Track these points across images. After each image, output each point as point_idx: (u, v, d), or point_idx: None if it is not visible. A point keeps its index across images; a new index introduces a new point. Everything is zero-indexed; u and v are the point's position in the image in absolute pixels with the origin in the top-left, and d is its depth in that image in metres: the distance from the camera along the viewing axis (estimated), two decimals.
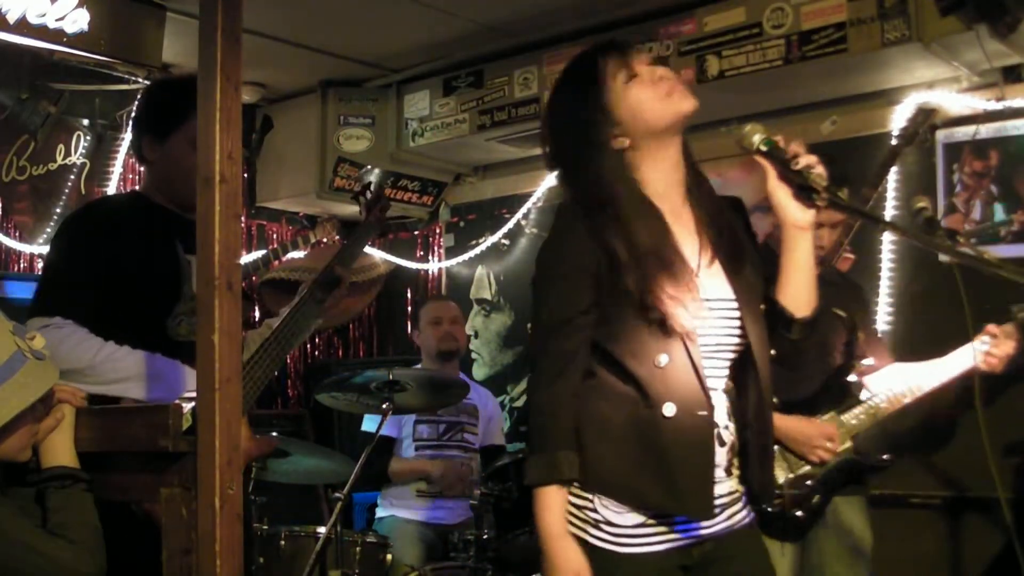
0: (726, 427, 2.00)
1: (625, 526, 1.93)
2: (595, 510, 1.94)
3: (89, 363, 2.26)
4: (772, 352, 2.05)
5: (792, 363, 2.15)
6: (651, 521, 1.94)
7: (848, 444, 3.02)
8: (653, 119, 1.99)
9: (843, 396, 3.06)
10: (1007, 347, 3.01)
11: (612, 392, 1.96)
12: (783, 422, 2.87)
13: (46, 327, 2.27)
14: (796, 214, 1.97)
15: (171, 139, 2.49)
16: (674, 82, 2.01)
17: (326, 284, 2.78)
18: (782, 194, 1.97)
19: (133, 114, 2.64)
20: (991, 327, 3.07)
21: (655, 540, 1.94)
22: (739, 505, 2.04)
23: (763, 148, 1.95)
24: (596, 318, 1.96)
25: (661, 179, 2.03)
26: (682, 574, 1.97)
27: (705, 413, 1.94)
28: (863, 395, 3.08)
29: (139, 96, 2.73)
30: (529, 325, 2.09)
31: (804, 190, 1.94)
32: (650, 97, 1.99)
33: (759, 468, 2.04)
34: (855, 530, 3.04)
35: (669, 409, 1.92)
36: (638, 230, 1.95)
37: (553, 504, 1.93)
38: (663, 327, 1.92)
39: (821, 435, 2.92)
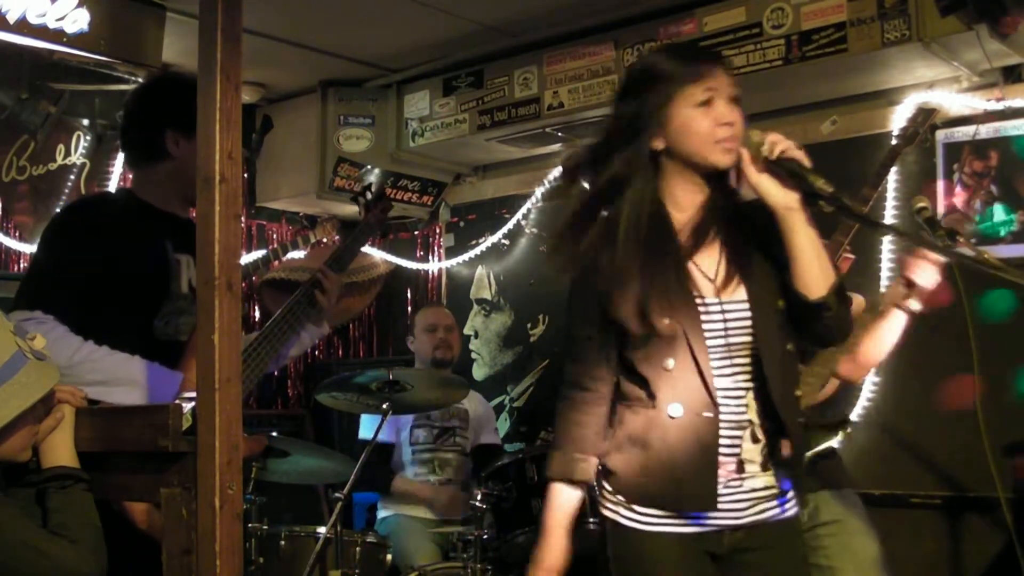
0: (760, 424, 2.08)
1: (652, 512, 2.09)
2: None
3: (66, 362, 2.21)
4: (798, 340, 2.12)
5: (828, 342, 2.22)
6: (666, 513, 2.08)
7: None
8: (693, 151, 2.07)
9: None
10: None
11: (631, 396, 2.11)
12: None
13: (26, 321, 2.25)
14: (781, 198, 2.02)
15: None
16: (732, 134, 2.04)
17: (317, 285, 2.77)
18: (764, 181, 2.02)
19: (145, 108, 2.60)
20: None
21: (678, 525, 2.07)
22: (773, 500, 2.10)
23: (771, 157, 2.00)
24: (619, 327, 2.09)
25: (683, 192, 2.12)
26: (709, 560, 2.08)
27: (711, 414, 2.04)
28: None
29: (149, 91, 2.68)
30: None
31: (812, 196, 1.99)
32: (703, 131, 2.04)
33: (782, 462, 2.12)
34: (853, 519, 3.02)
35: (675, 410, 2.05)
36: (632, 244, 2.06)
37: (554, 500, 2.16)
38: (666, 333, 2.04)
39: None
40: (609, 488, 2.13)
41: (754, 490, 2.08)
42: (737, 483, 2.06)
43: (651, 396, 2.07)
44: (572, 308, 2.19)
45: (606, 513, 2.14)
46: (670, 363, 2.05)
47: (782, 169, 2.00)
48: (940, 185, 4.06)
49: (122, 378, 2.28)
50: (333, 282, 2.79)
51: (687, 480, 2.04)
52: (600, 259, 2.09)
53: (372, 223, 3.15)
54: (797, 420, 2.11)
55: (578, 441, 2.13)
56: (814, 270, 2.04)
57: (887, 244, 4.15)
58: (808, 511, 2.96)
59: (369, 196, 3.21)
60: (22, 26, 3.79)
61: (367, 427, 4.42)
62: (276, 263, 4.97)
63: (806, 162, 2.00)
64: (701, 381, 2.04)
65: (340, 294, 2.83)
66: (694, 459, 2.04)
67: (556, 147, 4.96)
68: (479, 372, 5.41)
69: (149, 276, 2.44)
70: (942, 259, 2.87)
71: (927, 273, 2.91)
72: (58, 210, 4.45)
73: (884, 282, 4.14)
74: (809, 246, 2.03)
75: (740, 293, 2.08)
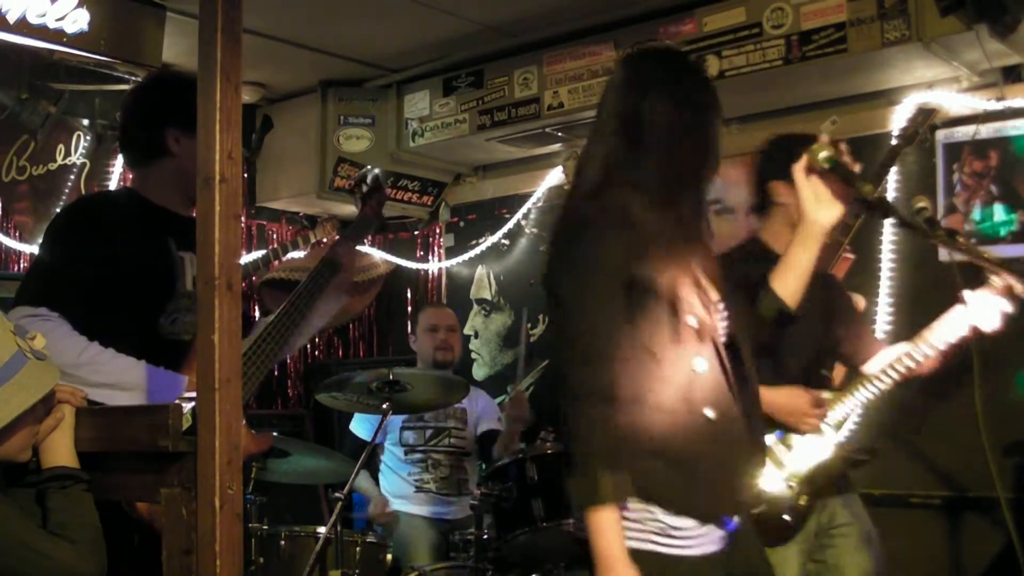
0: None
1: (687, 528, 1.93)
2: (657, 519, 1.92)
3: (72, 362, 2.21)
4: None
5: (774, 352, 2.21)
6: (700, 523, 1.97)
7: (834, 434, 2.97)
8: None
9: (820, 388, 2.99)
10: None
11: (650, 401, 1.93)
12: (772, 395, 2.72)
13: (32, 317, 2.24)
14: (819, 214, 2.04)
15: None
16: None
17: (326, 270, 2.78)
18: (810, 191, 2.03)
19: (144, 106, 2.60)
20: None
21: (709, 540, 1.97)
22: None
23: (826, 166, 2.02)
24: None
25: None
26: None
27: (738, 416, 1.99)
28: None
29: (148, 89, 2.69)
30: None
31: (862, 203, 2.03)
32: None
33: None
34: (862, 524, 3.02)
35: (710, 413, 1.94)
36: (674, 243, 1.99)
37: (606, 527, 1.85)
38: (697, 333, 1.94)
39: (811, 403, 2.86)
40: (633, 504, 1.91)
41: None
42: None
43: (677, 400, 1.92)
44: (597, 308, 1.92)
45: (628, 543, 1.89)
46: (702, 364, 1.94)
47: (836, 175, 2.01)
48: (940, 185, 4.06)
49: (126, 383, 2.27)
50: (349, 253, 2.84)
51: (728, 484, 1.96)
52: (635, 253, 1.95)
53: (369, 216, 3.15)
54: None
55: (620, 460, 1.88)
56: (800, 284, 2.09)
57: (887, 244, 4.15)
58: (828, 514, 2.97)
59: (364, 189, 3.21)
60: (22, 26, 3.80)
61: (359, 424, 4.44)
62: (276, 263, 4.97)
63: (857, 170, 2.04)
64: (727, 383, 1.97)
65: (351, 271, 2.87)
66: (729, 463, 1.97)
67: (556, 147, 4.97)
68: (479, 372, 5.41)
69: (153, 274, 2.43)
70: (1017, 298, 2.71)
71: (992, 318, 2.79)
72: (60, 209, 4.45)
73: (884, 281, 4.14)
74: (808, 262, 2.07)
75: (716, 295, 2.06)
